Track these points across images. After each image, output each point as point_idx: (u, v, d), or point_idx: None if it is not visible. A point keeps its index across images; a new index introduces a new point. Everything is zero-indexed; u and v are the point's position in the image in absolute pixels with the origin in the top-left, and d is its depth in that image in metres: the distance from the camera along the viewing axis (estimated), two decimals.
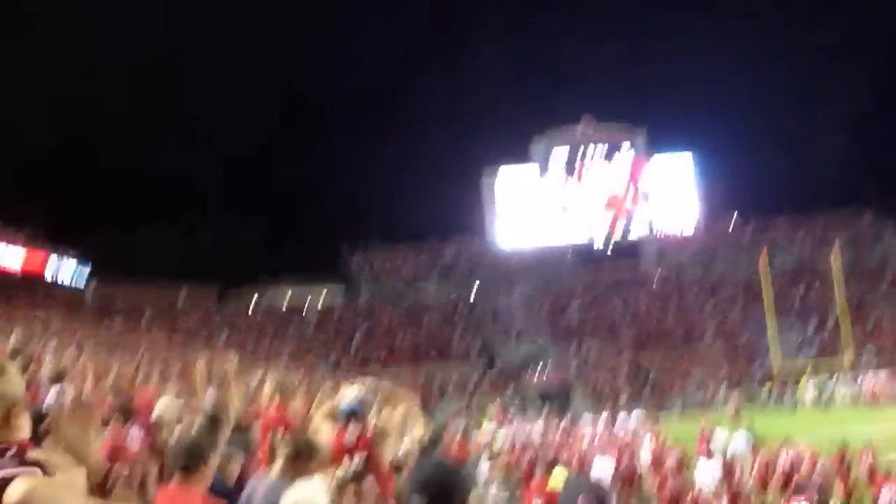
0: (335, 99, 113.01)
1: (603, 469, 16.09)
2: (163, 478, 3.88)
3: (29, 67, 74.64)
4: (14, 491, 1.67)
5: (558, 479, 12.00)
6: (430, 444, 6.73)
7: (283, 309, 64.01)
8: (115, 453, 5.07)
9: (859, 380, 44.83)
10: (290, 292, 68.41)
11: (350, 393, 7.22)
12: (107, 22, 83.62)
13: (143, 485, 3.57)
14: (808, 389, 45.82)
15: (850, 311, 51.56)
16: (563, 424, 31.39)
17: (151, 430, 6.37)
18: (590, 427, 28.56)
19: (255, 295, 66.66)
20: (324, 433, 6.16)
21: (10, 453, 1.83)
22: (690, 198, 72.25)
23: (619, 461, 17.05)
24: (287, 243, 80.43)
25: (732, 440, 19.29)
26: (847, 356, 47.15)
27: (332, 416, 6.61)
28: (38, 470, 1.81)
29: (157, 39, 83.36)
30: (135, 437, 5.27)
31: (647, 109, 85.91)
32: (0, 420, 1.93)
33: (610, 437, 22.94)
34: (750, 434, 19.65)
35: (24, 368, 8.29)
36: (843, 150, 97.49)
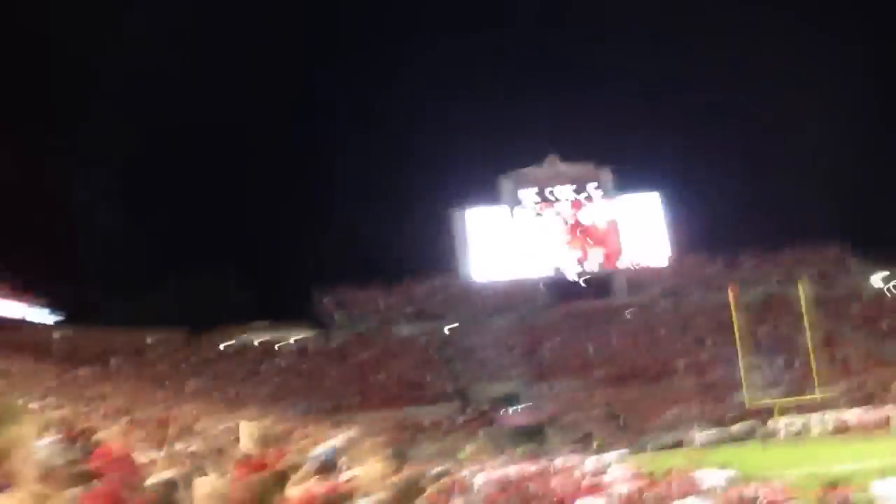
0: (306, 142, 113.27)
1: None
2: None
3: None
4: None
5: None
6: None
7: (254, 353, 63.31)
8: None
9: (830, 414, 45.04)
10: (261, 336, 67.77)
11: (328, 442, 7.14)
12: None
13: None
14: (780, 425, 46.01)
15: (820, 346, 52.08)
16: (539, 465, 31.20)
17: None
18: (568, 467, 28.33)
19: (225, 340, 65.94)
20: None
21: None
22: (660, 235, 73.40)
23: None
24: (258, 286, 79.84)
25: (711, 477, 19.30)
26: (817, 391, 47.49)
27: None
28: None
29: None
30: None
31: (612, 149, 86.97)
32: None
33: (592, 479, 22.71)
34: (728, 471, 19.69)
35: None
36: (809, 185, 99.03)
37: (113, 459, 7.21)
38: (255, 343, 66.10)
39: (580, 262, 72.20)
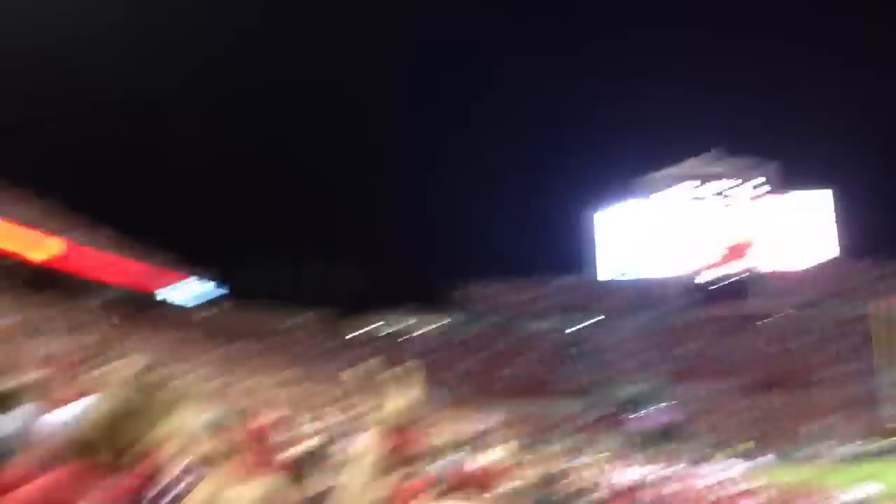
0: (455, 139, 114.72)
1: None
2: None
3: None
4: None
5: None
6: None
7: (393, 340, 64.96)
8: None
9: None
10: (400, 324, 69.42)
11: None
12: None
13: None
14: None
15: None
16: (673, 468, 30.67)
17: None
18: (710, 474, 27.72)
19: (367, 325, 67.91)
20: None
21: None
22: (820, 235, 69.35)
23: None
24: (401, 275, 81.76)
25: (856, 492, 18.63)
26: None
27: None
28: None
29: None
30: None
31: (777, 144, 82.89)
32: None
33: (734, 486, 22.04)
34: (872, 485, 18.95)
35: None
36: None
37: (270, 425, 7.74)
38: (395, 329, 67.79)
39: (728, 262, 69.63)
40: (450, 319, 69.90)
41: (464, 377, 56.99)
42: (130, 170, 79.81)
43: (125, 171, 78.64)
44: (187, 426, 2.16)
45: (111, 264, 48.21)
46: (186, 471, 2.00)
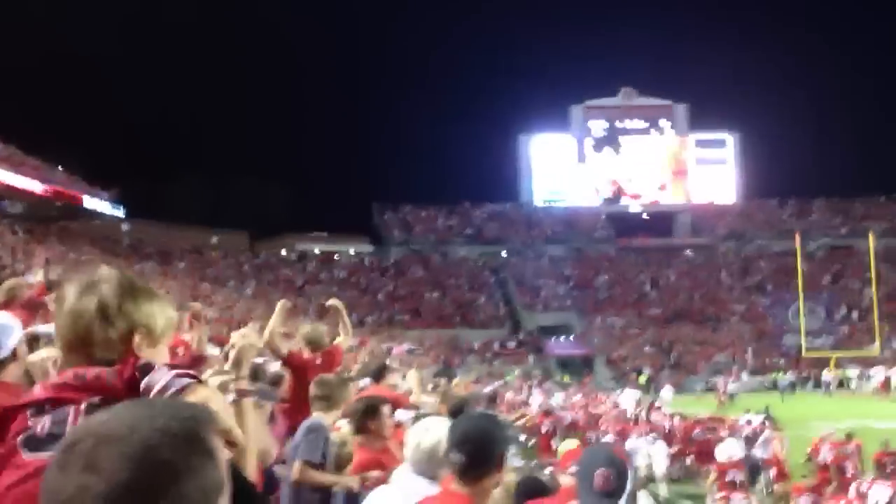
0: (377, 56, 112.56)
1: (658, 454, 16.14)
2: None
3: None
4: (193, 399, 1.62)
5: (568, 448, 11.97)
6: (460, 403, 6.71)
7: (312, 263, 64.31)
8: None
9: (885, 371, 44.14)
10: (318, 246, 68.76)
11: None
12: None
13: None
14: (831, 377, 45.38)
15: (883, 300, 50.98)
16: (587, 396, 31.50)
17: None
18: (617, 400, 28.50)
19: (285, 246, 67.06)
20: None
21: (160, 366, 1.78)
22: (728, 176, 71.93)
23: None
24: (318, 197, 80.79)
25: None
26: (875, 346, 46.63)
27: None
28: (194, 381, 1.78)
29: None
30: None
31: (688, 85, 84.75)
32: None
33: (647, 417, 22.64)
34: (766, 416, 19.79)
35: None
36: (887, 138, 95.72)
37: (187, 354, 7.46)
38: (315, 252, 67.08)
39: (644, 196, 71.18)
40: (370, 244, 69.60)
41: (383, 303, 56.97)
42: (42, 76, 76.10)
43: (37, 77, 74.97)
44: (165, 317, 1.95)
45: (18, 174, 46.09)
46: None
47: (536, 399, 28.48)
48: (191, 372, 1.77)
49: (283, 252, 66.16)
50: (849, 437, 14.99)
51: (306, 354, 6.69)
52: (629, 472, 2.39)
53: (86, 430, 1.07)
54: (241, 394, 2.19)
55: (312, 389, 5.29)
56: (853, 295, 58.26)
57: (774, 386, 47.58)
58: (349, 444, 5.16)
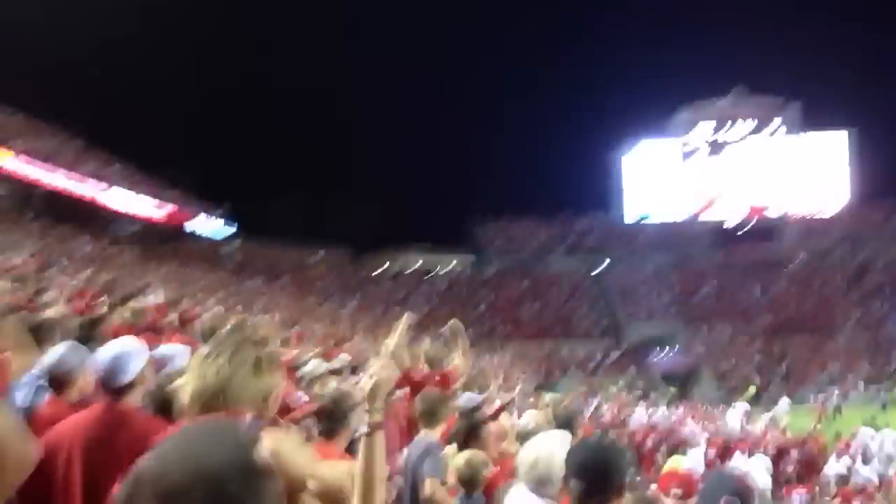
0: (473, 69, 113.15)
1: (758, 470, 15.64)
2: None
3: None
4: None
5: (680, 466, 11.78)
6: (569, 417, 6.72)
7: (411, 277, 65.02)
8: (283, 412, 5.31)
9: None
10: (419, 259, 69.39)
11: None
12: None
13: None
14: None
15: None
16: (692, 410, 30.81)
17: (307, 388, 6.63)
18: (726, 416, 27.73)
19: (385, 262, 67.97)
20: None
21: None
22: (842, 179, 68.24)
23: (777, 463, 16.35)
24: (418, 211, 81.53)
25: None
26: None
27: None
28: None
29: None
30: (301, 395, 5.47)
31: (801, 83, 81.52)
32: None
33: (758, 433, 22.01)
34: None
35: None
36: None
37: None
38: (413, 267, 67.80)
39: (751, 201, 68.46)
40: (470, 258, 69.84)
41: (482, 316, 57.11)
42: (149, 102, 79.53)
43: (144, 104, 78.40)
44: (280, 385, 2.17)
45: (130, 198, 48.37)
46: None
47: (639, 413, 28.00)
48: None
49: (385, 266, 67.11)
50: None
51: (425, 372, 6.82)
52: (754, 499, 2.38)
53: (147, 472, 1.08)
54: (374, 427, 2.26)
55: (417, 405, 5.40)
56: None
57: (892, 399, 45.48)
58: (489, 467, 5.01)
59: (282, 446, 1.89)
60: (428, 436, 5.16)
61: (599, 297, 61.06)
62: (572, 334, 55.52)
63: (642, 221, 68.37)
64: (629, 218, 68.81)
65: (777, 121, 68.81)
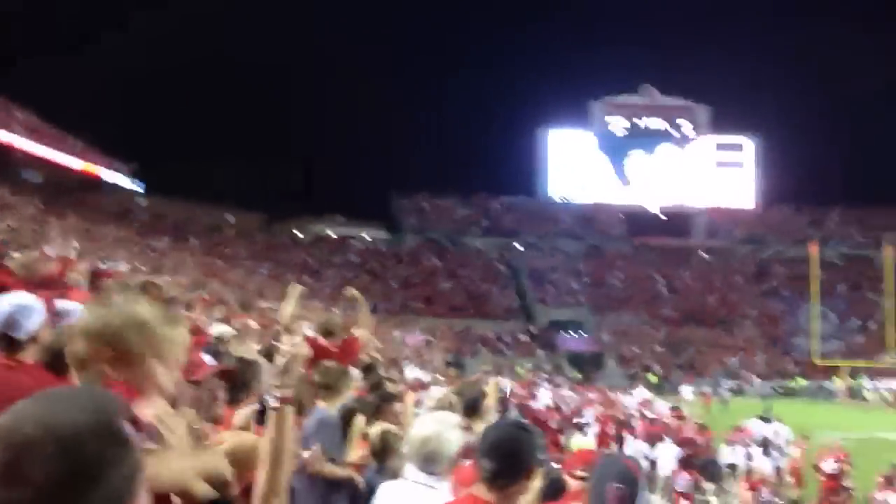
0: (400, 45, 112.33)
1: (665, 453, 15.97)
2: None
3: None
4: None
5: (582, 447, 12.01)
6: (472, 405, 6.66)
7: (327, 246, 64.24)
8: (188, 373, 5.09)
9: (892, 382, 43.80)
10: (334, 230, 68.67)
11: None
12: None
13: (209, 407, 3.62)
14: (842, 385, 45.16)
15: None
16: (598, 393, 31.43)
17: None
18: (629, 399, 28.36)
19: (300, 229, 67.04)
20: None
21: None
22: (747, 181, 71.34)
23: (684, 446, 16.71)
24: (336, 181, 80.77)
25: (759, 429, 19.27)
26: (889, 357, 46.32)
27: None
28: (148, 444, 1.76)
29: None
30: (206, 358, 5.26)
31: (710, 87, 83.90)
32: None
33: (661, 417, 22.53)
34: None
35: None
36: None
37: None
38: (329, 236, 67.03)
39: (662, 196, 70.70)
40: (386, 230, 69.55)
41: (396, 291, 56.98)
42: (67, 56, 76.44)
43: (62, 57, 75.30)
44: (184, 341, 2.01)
45: (36, 143, 46.33)
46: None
47: (545, 394, 28.41)
48: (150, 428, 1.76)
49: (299, 234, 66.17)
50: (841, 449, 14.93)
51: (323, 342, 6.65)
52: (642, 486, 2.35)
53: (1, 425, 1.02)
54: (284, 401, 2.24)
55: (315, 377, 5.28)
56: (868, 305, 57.81)
57: (785, 392, 47.52)
58: (401, 440, 4.98)
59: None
60: (322, 410, 5.03)
61: (512, 278, 61.66)
62: (484, 314, 55.94)
63: (557, 208, 69.51)
64: (545, 203, 70.01)
65: (686, 122, 71.40)
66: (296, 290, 6.87)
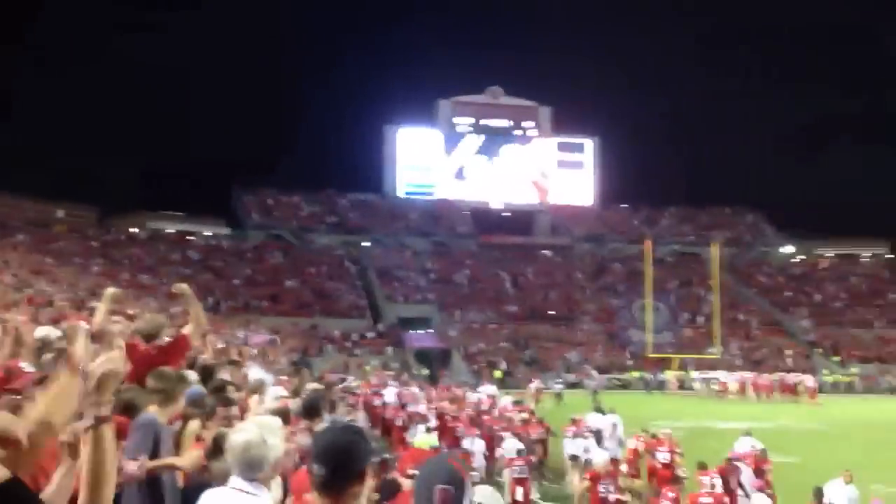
0: (243, 41, 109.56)
1: (508, 448, 16.05)
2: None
3: None
4: None
5: (425, 444, 12.02)
6: (312, 407, 6.40)
7: (166, 243, 61.71)
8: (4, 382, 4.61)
9: (721, 374, 46.51)
10: (173, 226, 66.20)
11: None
12: None
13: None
14: (673, 377, 47.49)
15: (724, 307, 53.97)
16: (444, 390, 31.58)
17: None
18: (474, 395, 28.53)
19: (137, 225, 64.18)
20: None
21: None
22: (587, 180, 74.24)
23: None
24: (175, 176, 77.84)
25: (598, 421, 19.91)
26: (715, 349, 49.11)
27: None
28: None
29: None
30: (24, 365, 4.77)
31: (552, 88, 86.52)
32: None
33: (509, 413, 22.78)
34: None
35: None
36: (733, 151, 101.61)
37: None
38: (167, 232, 64.53)
39: (506, 195, 72.48)
40: (228, 226, 67.63)
41: (239, 289, 55.34)
42: None
43: None
44: None
45: None
46: None
47: (391, 392, 28.28)
48: None
49: (135, 230, 63.27)
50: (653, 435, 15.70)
51: (142, 347, 6.18)
52: (468, 487, 2.31)
53: None
54: (101, 420, 2.09)
55: (149, 382, 4.95)
56: (697, 300, 61.26)
57: (621, 384, 49.59)
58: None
59: None
60: (144, 414, 4.68)
61: (359, 276, 61.27)
62: (331, 312, 55.26)
63: (404, 205, 69.88)
64: (393, 201, 70.27)
65: (530, 122, 73.67)
66: (109, 293, 6.48)
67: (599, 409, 21.21)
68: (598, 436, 17.35)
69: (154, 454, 4.49)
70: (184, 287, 6.56)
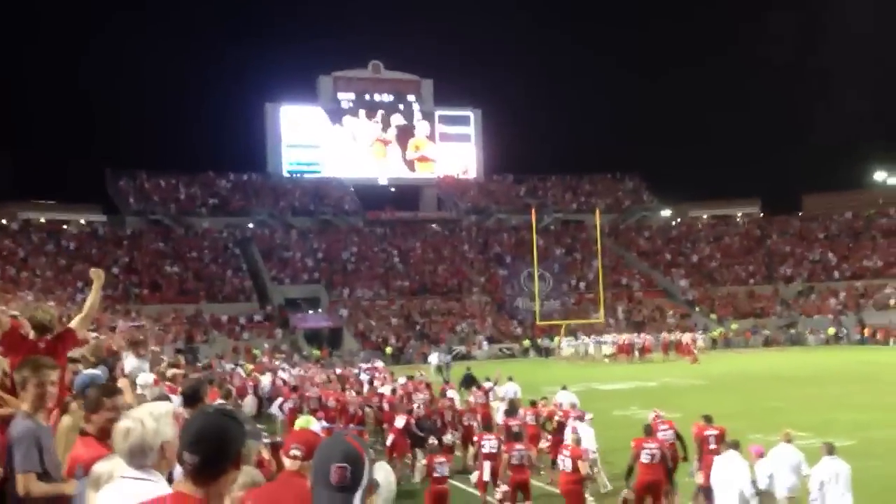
0: (117, 14, 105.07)
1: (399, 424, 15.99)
2: None
3: None
4: None
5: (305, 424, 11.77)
6: (192, 394, 6.13)
7: (38, 233, 58.79)
8: None
9: (608, 337, 47.90)
10: (45, 215, 63.27)
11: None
12: None
13: None
14: (563, 343, 48.58)
15: (607, 272, 55.51)
16: (332, 369, 31.41)
17: None
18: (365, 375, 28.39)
19: (5, 216, 61.02)
20: None
21: None
22: (471, 152, 74.74)
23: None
24: (45, 163, 74.17)
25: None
26: (600, 314, 50.48)
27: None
28: None
29: None
30: None
31: (434, 61, 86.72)
32: None
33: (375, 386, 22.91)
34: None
35: None
36: (614, 118, 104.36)
37: None
38: (39, 222, 61.61)
39: (392, 170, 72.34)
40: (103, 213, 65.01)
41: (118, 277, 53.22)
42: None
43: None
44: None
45: None
46: None
47: (283, 374, 27.92)
48: None
49: (4, 221, 60.05)
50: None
51: (30, 337, 5.81)
52: (366, 464, 2.27)
53: None
54: None
55: (15, 377, 4.63)
56: (582, 266, 62.80)
57: (512, 353, 50.48)
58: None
59: None
60: (18, 422, 4.35)
61: (244, 258, 59.95)
62: (216, 296, 53.95)
63: (287, 184, 68.83)
64: (275, 180, 69.10)
65: (412, 96, 73.56)
66: None
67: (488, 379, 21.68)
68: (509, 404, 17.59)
69: (41, 462, 4.26)
70: (100, 272, 6.24)
